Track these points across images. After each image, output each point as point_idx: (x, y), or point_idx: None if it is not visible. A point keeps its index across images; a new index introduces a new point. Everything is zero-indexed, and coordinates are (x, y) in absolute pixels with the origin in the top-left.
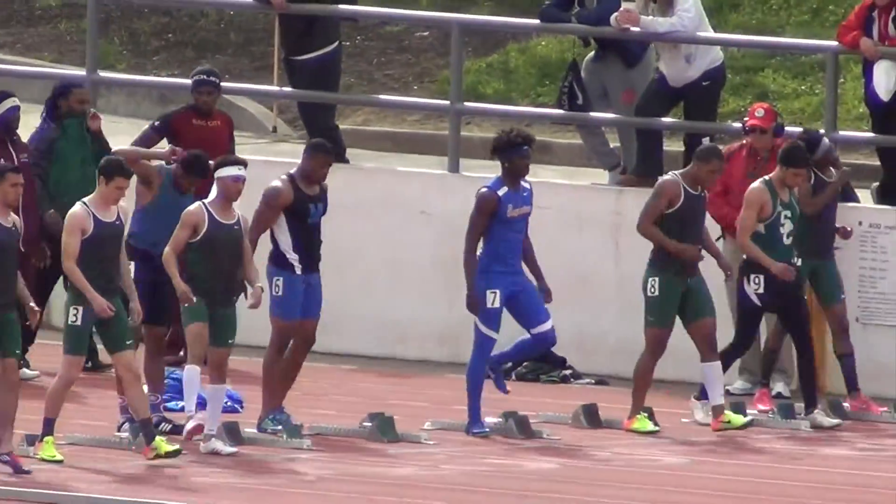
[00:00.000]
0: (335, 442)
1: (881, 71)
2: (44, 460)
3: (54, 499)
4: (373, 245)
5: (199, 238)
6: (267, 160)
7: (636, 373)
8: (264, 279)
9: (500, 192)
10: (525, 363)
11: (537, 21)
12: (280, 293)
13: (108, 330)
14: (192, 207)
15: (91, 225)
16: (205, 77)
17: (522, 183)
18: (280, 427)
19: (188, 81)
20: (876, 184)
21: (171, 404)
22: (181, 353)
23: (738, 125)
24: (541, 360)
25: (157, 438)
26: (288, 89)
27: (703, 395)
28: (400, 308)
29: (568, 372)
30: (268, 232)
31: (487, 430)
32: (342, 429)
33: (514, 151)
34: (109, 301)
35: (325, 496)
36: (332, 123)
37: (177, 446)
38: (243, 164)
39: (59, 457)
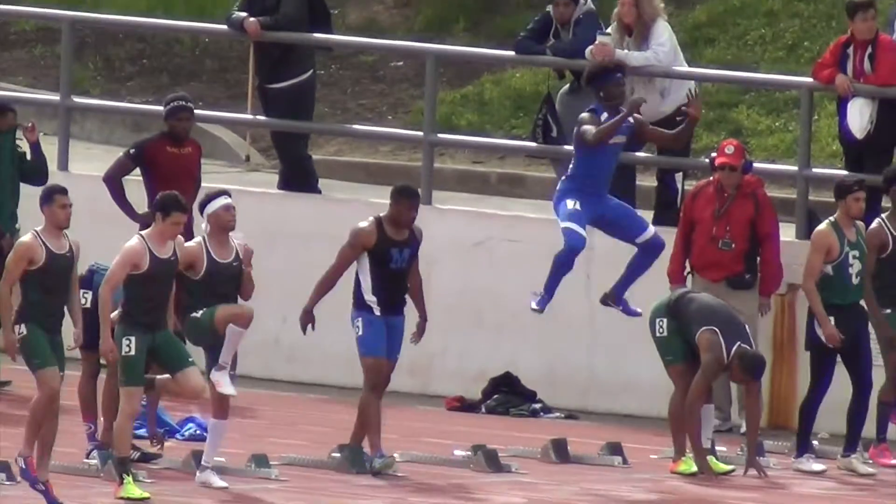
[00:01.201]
0: (304, 472)
1: (855, 108)
2: (130, 499)
3: None
4: (344, 275)
5: (198, 276)
6: (240, 189)
7: (670, 414)
8: (349, 323)
9: (602, 118)
10: (495, 396)
11: (512, 53)
12: (361, 332)
13: (158, 359)
14: (190, 244)
15: (147, 262)
16: (182, 103)
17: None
18: (382, 461)
19: (162, 108)
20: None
21: (140, 431)
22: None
23: (707, 161)
24: (510, 394)
25: (127, 480)
26: (261, 118)
27: (849, 447)
28: None
29: (538, 406)
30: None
31: (539, 309)
32: (311, 459)
33: (607, 78)
34: (158, 335)
35: None
36: (305, 153)
37: (146, 494)
38: (227, 193)
39: (143, 494)
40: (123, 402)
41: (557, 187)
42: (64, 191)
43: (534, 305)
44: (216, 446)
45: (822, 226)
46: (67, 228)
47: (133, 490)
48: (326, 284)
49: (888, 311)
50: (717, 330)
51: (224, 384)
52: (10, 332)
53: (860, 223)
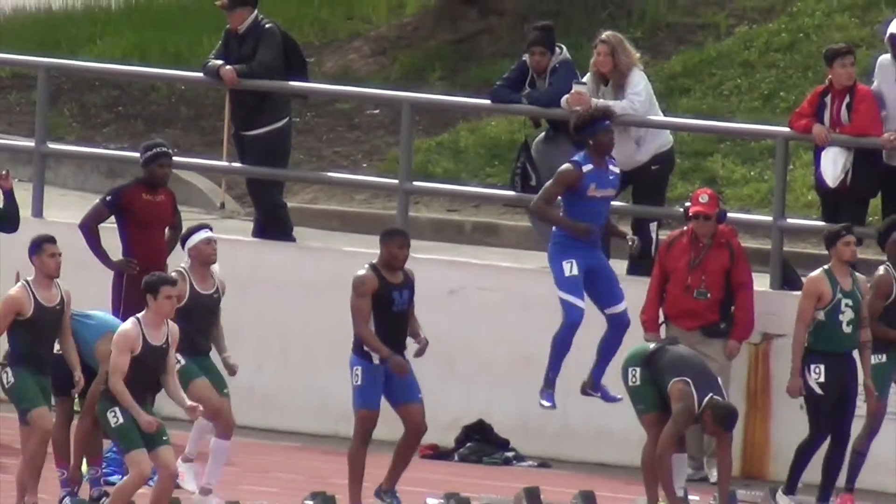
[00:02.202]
0: None
1: (828, 157)
2: None
3: None
4: (318, 323)
5: (181, 305)
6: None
7: (642, 463)
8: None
9: (585, 169)
10: (468, 444)
11: (488, 101)
12: (359, 382)
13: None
14: (174, 276)
15: (139, 346)
16: (164, 149)
17: (611, 166)
18: None
19: (138, 154)
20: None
21: (112, 479)
22: None
23: (682, 210)
24: (483, 442)
25: None
26: (237, 164)
27: (822, 498)
28: (343, 387)
29: (510, 454)
30: (349, 321)
31: (552, 405)
32: None
33: (596, 126)
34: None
35: None
36: (280, 200)
37: None
38: (208, 227)
39: None
40: (130, 469)
41: (552, 238)
42: (52, 240)
43: (544, 403)
44: (218, 467)
45: (816, 272)
46: (58, 277)
47: None
48: (371, 334)
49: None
50: (688, 380)
51: (187, 479)
52: None
53: (861, 276)
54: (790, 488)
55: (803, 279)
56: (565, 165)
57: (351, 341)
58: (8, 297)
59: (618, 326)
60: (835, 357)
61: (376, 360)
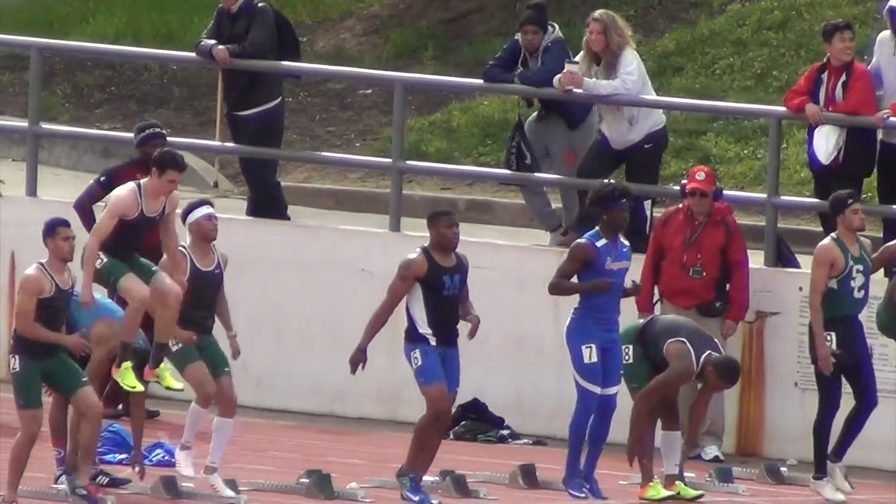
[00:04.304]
0: (272, 497)
1: (821, 135)
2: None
3: None
4: (313, 302)
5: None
6: None
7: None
8: (404, 359)
9: (599, 244)
10: (463, 422)
11: (480, 81)
12: (420, 362)
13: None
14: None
15: (136, 212)
16: (158, 130)
17: (621, 239)
18: (413, 497)
19: (131, 135)
20: None
21: (108, 457)
22: (119, 406)
23: (677, 188)
24: (478, 420)
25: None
26: (230, 144)
27: (820, 471)
28: (339, 365)
29: (506, 432)
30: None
31: (583, 495)
32: (280, 485)
33: (612, 204)
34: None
35: None
36: (274, 180)
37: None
38: (210, 203)
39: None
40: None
41: (572, 314)
42: (66, 223)
43: (575, 493)
44: (222, 445)
45: (825, 241)
46: (71, 261)
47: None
48: (380, 321)
49: None
50: (684, 340)
51: (185, 465)
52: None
53: (865, 240)
54: (821, 470)
55: (797, 256)
56: (578, 242)
57: (346, 318)
58: (27, 278)
59: (605, 409)
60: (843, 321)
61: (433, 343)
